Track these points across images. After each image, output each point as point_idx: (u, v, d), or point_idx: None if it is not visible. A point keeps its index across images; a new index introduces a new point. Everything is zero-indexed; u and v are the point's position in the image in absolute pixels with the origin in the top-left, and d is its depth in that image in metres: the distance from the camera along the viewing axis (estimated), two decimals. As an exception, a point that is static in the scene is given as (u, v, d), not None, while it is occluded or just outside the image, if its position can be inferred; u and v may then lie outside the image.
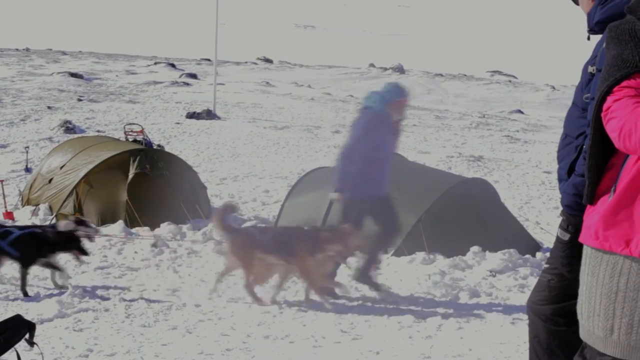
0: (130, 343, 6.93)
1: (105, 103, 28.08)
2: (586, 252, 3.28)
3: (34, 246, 8.58)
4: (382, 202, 8.74)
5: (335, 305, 8.32)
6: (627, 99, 3.04)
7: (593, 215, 3.22)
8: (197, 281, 9.30)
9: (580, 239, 3.32)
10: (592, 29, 4.14)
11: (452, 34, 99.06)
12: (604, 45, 3.37)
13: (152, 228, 11.78)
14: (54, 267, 8.79)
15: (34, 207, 12.62)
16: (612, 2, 3.99)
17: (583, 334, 3.30)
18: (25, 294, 8.48)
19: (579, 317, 3.31)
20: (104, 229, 11.62)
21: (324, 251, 8.28)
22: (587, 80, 4.08)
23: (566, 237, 4.10)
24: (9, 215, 12.41)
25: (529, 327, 4.43)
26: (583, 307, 3.26)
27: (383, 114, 8.63)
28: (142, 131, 17.46)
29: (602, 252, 3.16)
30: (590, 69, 4.04)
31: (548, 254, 4.79)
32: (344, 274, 9.26)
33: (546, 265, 4.35)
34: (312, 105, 31.78)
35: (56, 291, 8.64)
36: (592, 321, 3.20)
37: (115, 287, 8.97)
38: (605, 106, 3.11)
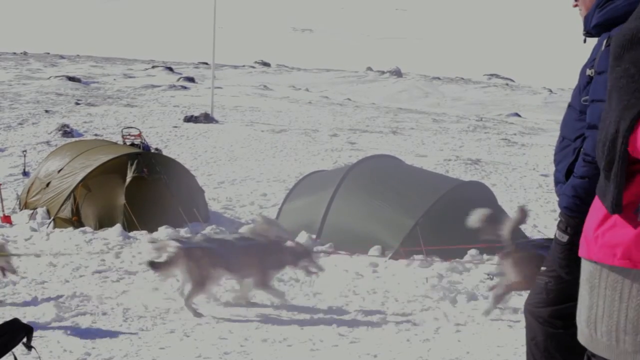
0: (128, 347, 6.92)
1: (103, 107, 28.08)
2: (600, 268, 3.06)
3: None
4: None
5: (333, 309, 8.33)
6: None
7: (620, 233, 2.93)
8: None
9: (600, 259, 3.03)
10: (589, 32, 4.14)
11: (450, 37, 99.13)
12: (614, 50, 3.03)
13: (150, 232, 11.77)
14: None
15: (31, 211, 12.62)
16: (611, 5, 3.98)
17: (602, 350, 3.16)
18: None
19: (590, 330, 3.15)
20: (102, 233, 11.62)
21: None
22: (585, 82, 4.08)
23: (565, 238, 4.09)
24: (6, 219, 12.41)
25: (526, 329, 4.43)
26: (600, 323, 3.04)
27: None
28: (139, 135, 17.47)
29: (629, 269, 2.96)
30: (589, 71, 4.04)
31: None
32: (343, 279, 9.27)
33: (543, 268, 4.35)
34: (310, 108, 31.80)
35: (54, 295, 8.63)
36: (615, 335, 3.07)
37: (113, 291, 8.96)
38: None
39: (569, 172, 4.11)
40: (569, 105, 4.24)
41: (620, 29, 2.97)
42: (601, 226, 3.02)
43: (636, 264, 2.91)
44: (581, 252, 3.15)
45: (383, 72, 54.30)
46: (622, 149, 2.82)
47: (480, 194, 11.39)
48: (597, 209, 3.06)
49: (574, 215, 4.00)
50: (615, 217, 2.95)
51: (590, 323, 3.11)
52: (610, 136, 2.88)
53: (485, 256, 10.13)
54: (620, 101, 2.86)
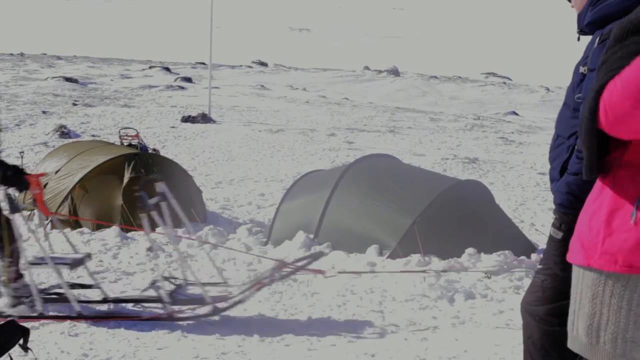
0: (125, 347, 6.92)
1: (100, 107, 28.08)
2: (606, 276, 3.03)
3: None
4: None
5: (331, 309, 8.34)
6: None
7: (619, 240, 2.95)
8: (192, 285, 9.29)
9: (601, 266, 3.02)
10: (583, 30, 4.15)
11: (447, 36, 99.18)
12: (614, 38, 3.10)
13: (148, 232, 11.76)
14: None
15: (29, 212, 12.61)
16: (604, 2, 3.99)
17: (603, 358, 3.10)
18: None
19: (590, 339, 3.06)
20: (99, 234, 11.61)
21: None
22: (579, 80, 4.09)
23: (559, 235, 4.11)
24: (4, 220, 12.39)
25: (523, 328, 4.44)
26: (604, 331, 3.02)
27: None
28: (137, 135, 17.47)
29: (635, 275, 2.95)
30: (582, 69, 4.06)
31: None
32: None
33: (539, 266, 4.36)
34: (307, 108, 31.83)
35: (52, 296, 8.62)
36: (620, 343, 3.04)
37: (111, 292, 8.95)
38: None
39: (563, 170, 4.13)
40: (564, 103, 4.26)
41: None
42: (600, 234, 3.01)
43: (638, 270, 2.91)
44: (578, 260, 3.13)
45: (380, 71, 54.36)
46: (589, 113, 2.89)
47: (477, 193, 11.40)
48: (595, 217, 3.05)
49: (567, 212, 4.02)
50: (614, 223, 2.95)
51: (591, 331, 3.08)
52: (588, 101, 2.93)
53: (482, 255, 10.12)
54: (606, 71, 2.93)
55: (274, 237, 11.30)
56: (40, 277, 8.32)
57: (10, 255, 8.15)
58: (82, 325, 7.55)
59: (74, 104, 28.69)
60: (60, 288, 8.29)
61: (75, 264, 8.18)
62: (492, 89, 48.50)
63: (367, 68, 57.53)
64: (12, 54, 57.01)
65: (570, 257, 3.21)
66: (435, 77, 53.45)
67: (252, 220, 13.06)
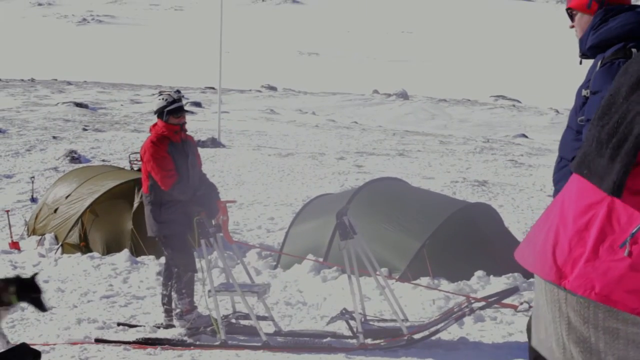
0: (135, 371, 6.95)
1: (110, 132, 28.22)
2: (566, 294, 2.84)
3: None
4: None
5: (340, 332, 8.33)
6: None
7: (602, 267, 2.71)
8: (203, 309, 9.30)
9: (574, 289, 2.77)
10: (585, 54, 4.21)
11: (456, 59, 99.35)
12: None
13: (158, 257, 11.79)
14: None
15: (39, 237, 12.67)
16: (605, 27, 4.05)
17: None
18: None
19: (563, 351, 2.93)
20: (110, 258, 11.65)
21: None
22: (582, 103, 4.15)
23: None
24: (15, 245, 12.45)
25: (529, 350, 4.45)
26: (569, 343, 2.88)
27: None
28: (147, 160, 17.49)
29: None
30: (584, 92, 4.11)
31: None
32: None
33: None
34: (317, 132, 31.91)
35: (62, 320, 8.65)
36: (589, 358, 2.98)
37: (121, 316, 8.98)
38: None
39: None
40: (567, 126, 4.31)
41: None
42: (583, 255, 2.76)
43: (616, 304, 2.67)
44: (548, 275, 2.85)
45: (389, 95, 54.47)
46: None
47: (486, 216, 11.40)
48: (579, 235, 2.77)
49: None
50: (602, 248, 2.70)
51: (559, 344, 2.94)
52: (633, 116, 2.64)
53: (492, 277, 10.12)
54: None
55: (284, 261, 11.33)
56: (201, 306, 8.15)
57: (185, 287, 8.20)
58: (92, 349, 7.58)
59: (84, 129, 28.85)
60: (236, 317, 8.31)
61: (261, 292, 8.16)
62: (502, 112, 48.52)
63: (376, 91, 57.67)
64: (23, 80, 57.40)
65: (538, 269, 2.91)
66: (445, 100, 53.54)
67: (262, 244, 13.08)
